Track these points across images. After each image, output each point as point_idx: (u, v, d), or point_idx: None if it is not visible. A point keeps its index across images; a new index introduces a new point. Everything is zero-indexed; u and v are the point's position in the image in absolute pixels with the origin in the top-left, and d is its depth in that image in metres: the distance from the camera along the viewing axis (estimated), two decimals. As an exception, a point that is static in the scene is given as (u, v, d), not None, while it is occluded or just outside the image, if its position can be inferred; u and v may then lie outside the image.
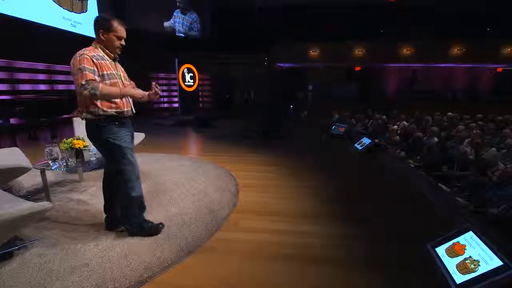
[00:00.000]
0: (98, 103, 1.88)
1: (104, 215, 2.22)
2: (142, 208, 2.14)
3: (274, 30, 13.49)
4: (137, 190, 2.06)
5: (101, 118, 1.90)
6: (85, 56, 1.81)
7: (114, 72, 1.95)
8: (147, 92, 2.05)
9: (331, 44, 13.65)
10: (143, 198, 2.13)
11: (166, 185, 3.21)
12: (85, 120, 1.94)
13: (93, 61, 1.82)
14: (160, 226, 2.18)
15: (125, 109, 2.00)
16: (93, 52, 1.88)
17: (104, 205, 2.21)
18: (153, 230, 2.14)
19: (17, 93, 6.67)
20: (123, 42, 1.99)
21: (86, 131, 1.98)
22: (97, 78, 1.82)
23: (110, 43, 1.93)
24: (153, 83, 2.04)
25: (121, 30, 1.94)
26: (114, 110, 1.93)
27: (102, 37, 1.91)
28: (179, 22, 12.36)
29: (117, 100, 1.95)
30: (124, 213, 2.10)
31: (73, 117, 3.48)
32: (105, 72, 1.89)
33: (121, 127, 1.99)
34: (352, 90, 14.90)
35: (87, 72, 1.77)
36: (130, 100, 2.07)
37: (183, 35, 12.50)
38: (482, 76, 14.54)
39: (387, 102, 12.83)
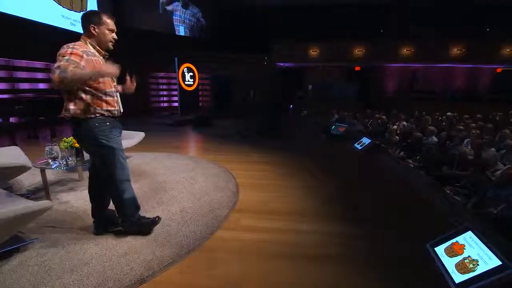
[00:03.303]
0: (89, 99, 1.82)
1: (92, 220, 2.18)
2: (137, 207, 2.13)
3: (274, 30, 13.49)
4: (129, 191, 2.05)
5: (91, 117, 1.84)
6: (76, 50, 1.74)
7: None
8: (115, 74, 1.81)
9: (331, 43, 13.65)
10: (136, 198, 2.11)
11: (166, 184, 3.21)
12: (73, 118, 1.83)
13: (82, 57, 1.75)
14: (157, 219, 2.19)
15: (116, 108, 1.98)
16: (84, 48, 1.81)
17: (92, 209, 2.16)
18: (151, 224, 2.14)
19: (16, 92, 6.66)
20: (115, 36, 1.96)
21: (75, 132, 1.91)
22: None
23: (103, 37, 1.90)
24: (129, 76, 2.08)
25: (111, 23, 1.93)
26: (105, 109, 1.90)
27: (94, 31, 1.87)
28: (180, 16, 11.87)
29: (109, 99, 1.91)
30: (120, 214, 2.10)
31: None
32: None
33: (112, 128, 1.95)
34: (352, 90, 14.89)
35: (67, 63, 1.67)
36: (119, 99, 2.05)
37: (182, 31, 12.01)
38: (482, 76, 14.55)
39: (387, 102, 12.83)
